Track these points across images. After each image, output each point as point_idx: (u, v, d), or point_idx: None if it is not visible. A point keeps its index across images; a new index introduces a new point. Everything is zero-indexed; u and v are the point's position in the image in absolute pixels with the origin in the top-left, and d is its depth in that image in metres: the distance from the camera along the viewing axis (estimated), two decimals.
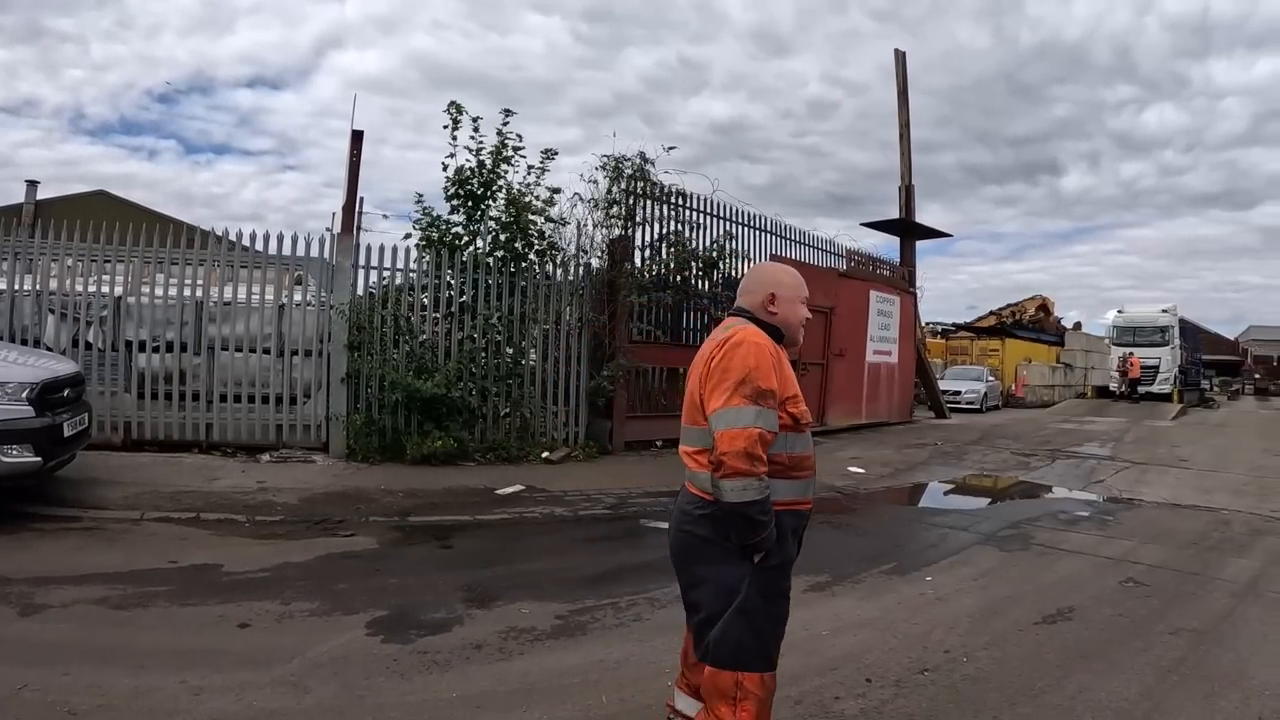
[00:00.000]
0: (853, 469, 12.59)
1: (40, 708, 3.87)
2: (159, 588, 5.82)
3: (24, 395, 7.25)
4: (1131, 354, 34.94)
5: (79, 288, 11.07)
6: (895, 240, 23.04)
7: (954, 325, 43.15)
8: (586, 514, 8.78)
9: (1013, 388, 34.30)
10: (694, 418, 3.04)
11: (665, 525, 8.30)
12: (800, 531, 3.25)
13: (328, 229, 14.83)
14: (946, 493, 11.75)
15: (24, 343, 10.48)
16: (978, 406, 28.53)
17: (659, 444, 13.52)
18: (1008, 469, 13.62)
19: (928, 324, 33.19)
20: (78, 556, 6.48)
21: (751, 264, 16.12)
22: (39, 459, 7.27)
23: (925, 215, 22.70)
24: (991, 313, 44.56)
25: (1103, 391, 37.66)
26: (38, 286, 10.98)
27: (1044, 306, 46.40)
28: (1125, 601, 6.22)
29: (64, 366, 8.32)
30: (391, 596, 5.81)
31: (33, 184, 33.05)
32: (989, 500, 11.42)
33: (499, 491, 9.60)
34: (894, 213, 22.89)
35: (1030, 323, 43.73)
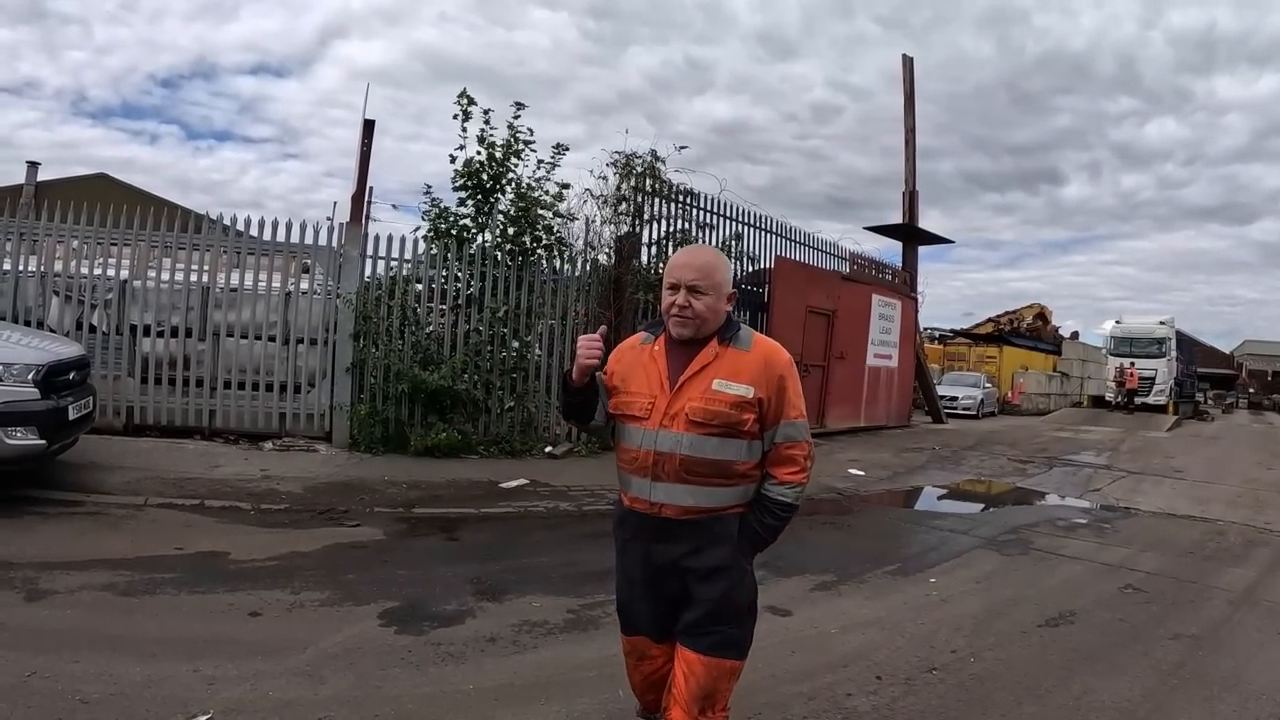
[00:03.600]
0: (853, 471, 12.60)
1: (51, 695, 3.80)
2: (166, 575, 5.75)
3: (29, 377, 7.16)
4: (1130, 364, 34.96)
5: (84, 270, 11.01)
6: (895, 245, 22.99)
7: (951, 331, 43.14)
8: (590, 509, 8.72)
9: (1009, 395, 34.24)
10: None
11: None
12: (629, 529, 3.10)
13: (328, 218, 14.79)
14: (946, 497, 11.78)
15: (28, 324, 10.36)
16: (974, 413, 28.48)
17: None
18: (1005, 475, 13.63)
19: (926, 329, 33.16)
20: (82, 542, 6.43)
21: (756, 265, 16.08)
22: (43, 442, 7.19)
23: (924, 221, 22.61)
24: (989, 320, 44.50)
25: (1098, 401, 37.67)
26: (42, 268, 10.92)
27: (1041, 315, 46.35)
28: (1125, 607, 6.29)
29: (69, 349, 8.24)
30: (401, 588, 5.77)
31: (33, 165, 32.90)
32: (987, 505, 11.46)
33: (502, 485, 9.56)
34: (893, 217, 22.80)
35: (1028, 331, 43.70)
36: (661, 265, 13.88)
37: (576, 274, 12.92)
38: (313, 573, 6.04)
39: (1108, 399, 36.33)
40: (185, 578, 5.72)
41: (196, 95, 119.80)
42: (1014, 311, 45.18)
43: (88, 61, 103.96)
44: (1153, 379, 34.80)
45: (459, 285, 11.95)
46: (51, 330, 10.38)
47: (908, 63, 22.97)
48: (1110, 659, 5.10)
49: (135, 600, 5.25)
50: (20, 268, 10.87)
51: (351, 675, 4.28)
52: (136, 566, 5.86)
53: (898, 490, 11.77)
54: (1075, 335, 48.58)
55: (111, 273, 11.03)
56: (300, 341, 11.29)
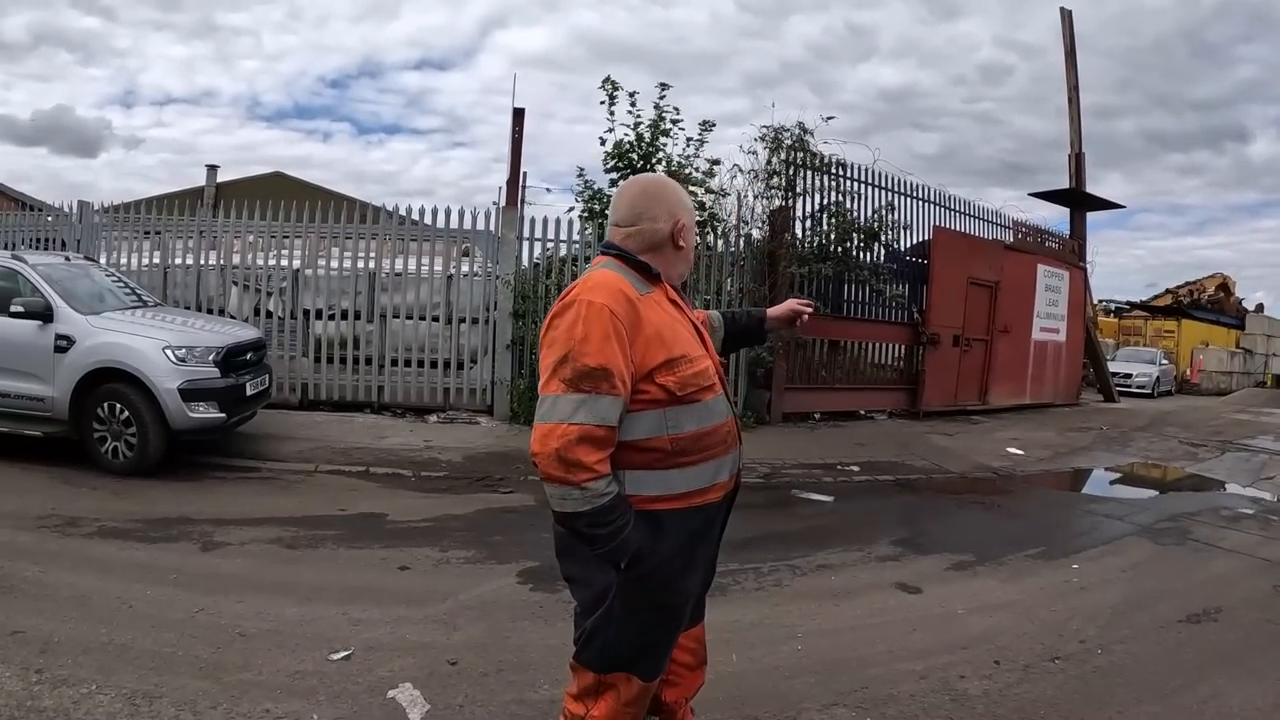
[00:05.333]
0: (1011, 450, 12.21)
1: (213, 629, 4.24)
2: (328, 532, 6.22)
3: (210, 358, 7.89)
4: None
5: (259, 261, 11.83)
6: (1065, 212, 22.02)
7: (1128, 303, 40.89)
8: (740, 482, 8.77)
9: (1187, 372, 32.22)
10: None
11: (817, 496, 8.34)
12: (709, 531, 2.61)
13: (494, 203, 15.23)
14: (1106, 480, 11.18)
15: (209, 312, 11.27)
16: (1149, 391, 26.85)
17: (817, 416, 13.43)
18: (1174, 459, 12.84)
19: (1100, 301, 31.79)
20: (255, 501, 7.00)
21: (916, 235, 15.77)
22: (223, 415, 7.89)
23: (1104, 185, 21.34)
24: (1168, 291, 41.97)
25: None
26: (221, 261, 11.81)
27: (1224, 286, 43.30)
28: (1276, 607, 5.84)
29: (246, 332, 8.98)
30: (543, 550, 5.87)
31: (213, 168, 34.76)
32: (1149, 490, 10.84)
33: None
34: (1068, 182, 21.89)
35: (1209, 303, 40.85)
36: (817, 239, 13.81)
37: (730, 250, 12.96)
38: (462, 534, 6.39)
39: None
40: (345, 535, 6.18)
41: (365, 93, 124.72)
42: (1194, 282, 42.44)
43: (260, 69, 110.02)
44: None
45: None
46: (231, 316, 11.21)
47: (1066, 16, 21.84)
48: (1248, 662, 4.77)
49: (298, 552, 5.72)
50: (202, 261, 11.80)
51: (484, 625, 4.57)
52: (302, 524, 6.36)
53: (1056, 471, 11.31)
54: (1260, 308, 45.14)
55: (285, 263, 11.81)
56: (462, 321, 11.74)
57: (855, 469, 9.86)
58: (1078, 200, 21.34)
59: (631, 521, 2.31)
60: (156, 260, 11.84)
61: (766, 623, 4.86)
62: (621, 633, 2.45)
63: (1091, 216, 21.80)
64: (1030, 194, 21.86)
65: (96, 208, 12.28)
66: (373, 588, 5.04)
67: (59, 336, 7.66)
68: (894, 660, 4.43)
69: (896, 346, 15.47)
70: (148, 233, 12.16)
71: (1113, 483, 11.07)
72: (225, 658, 3.93)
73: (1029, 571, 6.36)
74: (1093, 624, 5.22)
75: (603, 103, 12.19)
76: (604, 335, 2.24)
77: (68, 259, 8.92)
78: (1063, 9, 21.71)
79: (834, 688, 4.06)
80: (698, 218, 12.43)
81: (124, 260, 11.68)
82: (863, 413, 14.28)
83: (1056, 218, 26.41)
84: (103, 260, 10.93)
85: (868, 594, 5.54)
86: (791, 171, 13.39)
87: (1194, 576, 6.48)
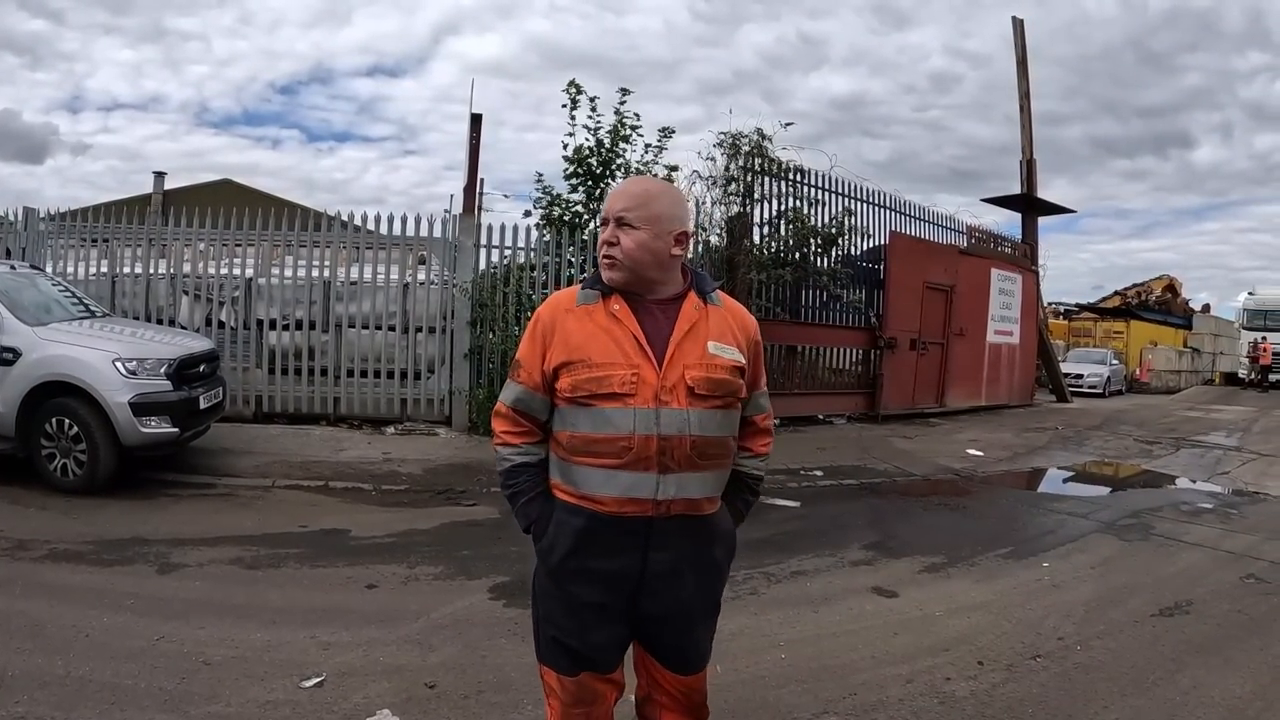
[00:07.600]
0: (971, 451, 12.32)
1: (176, 657, 4.06)
2: (290, 550, 6.03)
3: (162, 370, 7.63)
4: (1263, 339, 33.15)
5: (211, 270, 11.54)
6: (1017, 217, 22.26)
7: (1077, 306, 41.40)
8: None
9: (1137, 372, 32.68)
10: None
11: (782, 501, 8.29)
12: (608, 551, 2.42)
13: (446, 210, 15.07)
14: (1066, 479, 11.32)
15: (160, 323, 10.96)
16: (1100, 391, 27.26)
17: (776, 421, 13.35)
18: (1130, 456, 13.07)
19: (1050, 304, 32.08)
20: (212, 520, 6.76)
21: (872, 240, 15.81)
22: (176, 429, 7.64)
23: (1051, 190, 21.58)
24: (1116, 293, 42.73)
25: (1231, 379, 35.77)
26: (171, 270, 11.51)
27: (1171, 287, 44.20)
28: (1245, 598, 5.93)
29: (199, 344, 8.70)
30: (513, 563, 5.83)
31: (160, 174, 34.33)
32: (1110, 488, 11.01)
33: None
34: (1017, 188, 22.11)
35: (1157, 304, 41.64)
36: (775, 244, 13.79)
37: (689, 256, 12.82)
38: (429, 549, 6.24)
39: (1241, 376, 34.63)
40: (308, 553, 6.00)
41: (315, 100, 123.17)
42: (1142, 284, 43.30)
43: (209, 74, 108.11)
44: None
45: (572, 271, 12.02)
46: (182, 327, 10.91)
47: (1018, 25, 22.14)
48: (1224, 652, 4.85)
49: (259, 573, 5.52)
50: (151, 270, 11.50)
51: (459, 644, 4.44)
52: (262, 542, 6.16)
53: (1017, 471, 11.42)
54: (1207, 308, 46.01)
55: (237, 271, 11.54)
56: (419, 330, 11.57)
57: (819, 473, 9.85)
58: (1029, 205, 21.61)
59: (535, 494, 2.52)
60: (104, 269, 11.53)
61: (747, 632, 4.80)
62: (535, 615, 2.62)
63: (1040, 221, 22.05)
64: (983, 199, 22.05)
65: (42, 215, 11.89)
66: (341, 608, 4.89)
67: (4, 349, 7.39)
68: (879, 665, 4.43)
69: (854, 350, 15.54)
70: (95, 241, 11.82)
71: (1073, 481, 11.24)
72: (190, 689, 3.76)
73: (1001, 571, 6.41)
74: (1069, 621, 5.28)
75: (565, 106, 12.17)
76: (529, 336, 2.51)
77: (13, 267, 8.60)
78: (1015, 18, 22.00)
79: (822, 696, 4.04)
80: None
81: (71, 269, 11.37)
82: (822, 417, 14.29)
83: (1007, 222, 26.60)
84: (49, 269, 10.64)
85: (845, 599, 5.52)
86: (750, 177, 13.44)
87: (1162, 571, 6.58)
